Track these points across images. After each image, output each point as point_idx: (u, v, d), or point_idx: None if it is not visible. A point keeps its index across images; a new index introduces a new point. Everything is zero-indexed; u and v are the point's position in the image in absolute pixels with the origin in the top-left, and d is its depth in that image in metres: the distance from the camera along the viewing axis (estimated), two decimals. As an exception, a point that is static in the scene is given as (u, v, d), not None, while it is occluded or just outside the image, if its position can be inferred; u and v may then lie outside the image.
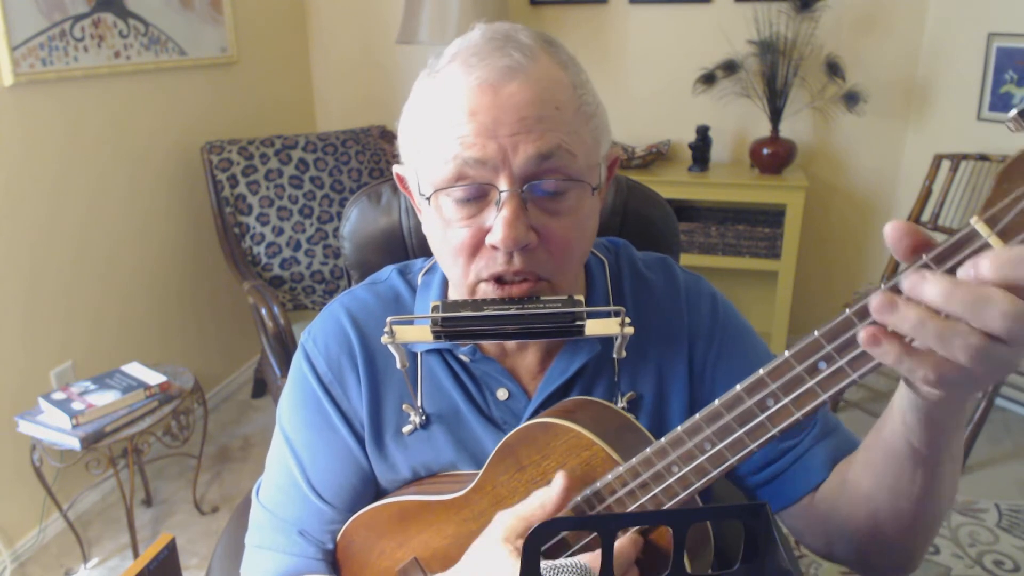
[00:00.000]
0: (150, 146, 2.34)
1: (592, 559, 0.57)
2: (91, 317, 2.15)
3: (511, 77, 0.65)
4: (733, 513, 0.58)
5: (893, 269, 2.63)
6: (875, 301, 0.45)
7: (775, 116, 2.64)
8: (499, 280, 0.69)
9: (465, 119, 0.65)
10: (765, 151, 2.64)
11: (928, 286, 0.43)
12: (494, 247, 0.67)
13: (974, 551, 1.94)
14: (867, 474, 0.66)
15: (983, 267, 0.41)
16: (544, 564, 0.55)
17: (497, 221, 0.65)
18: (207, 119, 2.57)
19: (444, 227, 0.69)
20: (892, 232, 0.46)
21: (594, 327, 0.65)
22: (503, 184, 0.65)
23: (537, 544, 0.52)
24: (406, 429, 0.78)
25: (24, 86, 1.88)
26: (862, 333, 0.46)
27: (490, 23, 0.71)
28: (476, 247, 0.68)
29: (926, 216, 2.59)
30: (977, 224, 0.44)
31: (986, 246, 0.43)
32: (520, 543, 0.60)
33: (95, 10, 2.06)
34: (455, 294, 0.78)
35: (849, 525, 0.70)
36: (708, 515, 0.60)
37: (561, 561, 0.57)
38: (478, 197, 0.67)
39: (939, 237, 0.47)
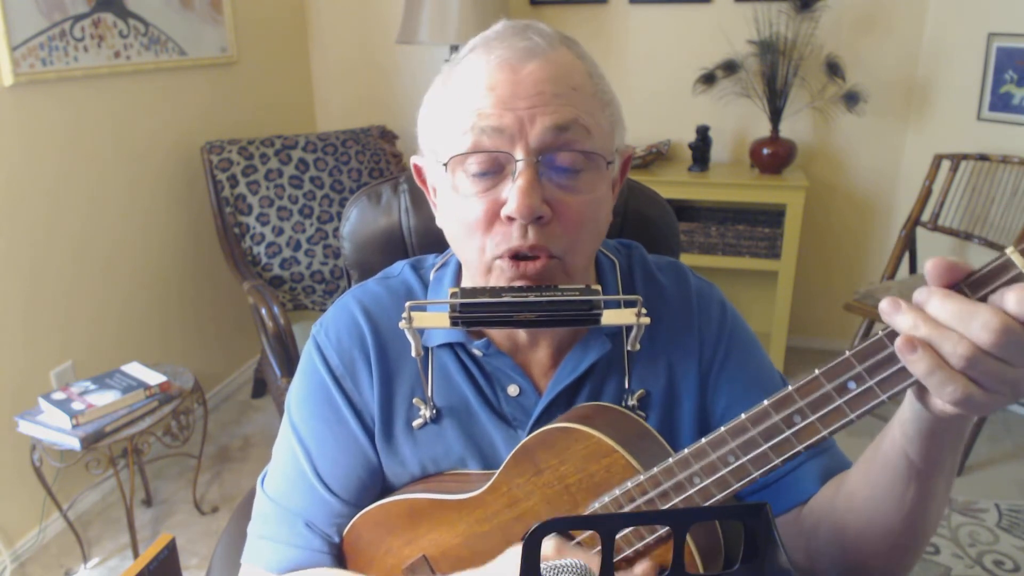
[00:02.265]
0: (150, 146, 2.34)
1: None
2: (91, 317, 2.15)
3: (531, 57, 0.67)
4: (733, 513, 0.58)
5: (893, 269, 2.63)
6: (883, 302, 0.48)
7: (775, 116, 2.64)
8: (514, 257, 0.69)
9: (484, 93, 0.67)
10: (765, 151, 2.64)
11: (927, 299, 0.47)
12: (510, 218, 0.67)
13: (974, 551, 1.94)
14: (861, 486, 0.66)
15: (1008, 300, 0.44)
16: (544, 564, 0.55)
17: (513, 191, 0.66)
18: (207, 119, 2.57)
19: (460, 203, 0.70)
20: (932, 270, 0.47)
21: (611, 317, 0.65)
22: (519, 153, 0.66)
23: (537, 544, 0.51)
24: (416, 423, 0.79)
25: (24, 86, 1.88)
26: (899, 339, 0.48)
27: (510, 20, 0.74)
28: (491, 220, 0.69)
29: (926, 216, 2.59)
30: (1012, 255, 0.45)
31: (1020, 276, 0.45)
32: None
33: (95, 10, 2.06)
34: (469, 282, 0.78)
35: (835, 541, 0.69)
36: (708, 515, 0.60)
37: (561, 561, 0.57)
38: (494, 171, 0.68)
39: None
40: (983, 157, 2.50)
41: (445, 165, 0.70)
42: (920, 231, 2.62)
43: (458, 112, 0.69)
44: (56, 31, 1.94)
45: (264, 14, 2.85)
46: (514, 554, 0.64)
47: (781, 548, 0.53)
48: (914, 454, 0.58)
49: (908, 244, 2.61)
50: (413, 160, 0.80)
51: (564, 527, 0.54)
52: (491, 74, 0.67)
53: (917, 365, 0.47)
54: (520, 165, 0.66)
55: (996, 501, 2.13)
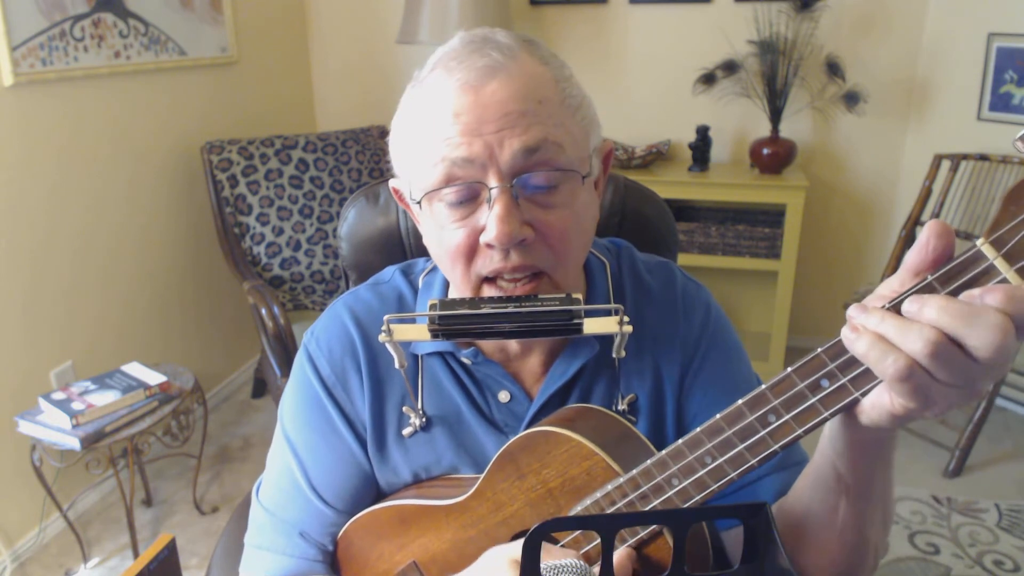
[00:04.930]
0: (150, 146, 2.34)
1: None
2: (91, 317, 2.15)
3: (491, 76, 0.65)
4: (732, 513, 0.58)
5: (893, 269, 2.62)
6: (850, 309, 0.49)
7: (775, 116, 2.64)
8: (499, 278, 0.68)
9: (450, 121, 0.65)
10: (765, 151, 2.64)
11: (867, 314, 0.48)
12: (489, 245, 0.66)
13: (974, 551, 1.94)
14: (797, 500, 0.66)
15: (989, 298, 0.43)
16: (544, 564, 0.55)
17: (490, 219, 0.65)
18: (207, 119, 2.57)
19: (439, 232, 0.69)
20: (935, 226, 0.47)
21: (592, 325, 0.64)
22: (492, 181, 0.65)
23: (537, 544, 0.51)
24: (406, 431, 0.78)
25: (24, 86, 1.88)
26: (845, 328, 0.49)
27: (470, 29, 0.71)
28: (472, 248, 0.68)
29: (926, 216, 2.60)
30: (983, 246, 0.44)
31: (991, 268, 0.44)
32: None
33: (95, 10, 2.06)
34: (456, 295, 0.78)
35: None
36: (707, 515, 0.60)
37: (561, 561, 0.57)
38: (470, 199, 0.67)
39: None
40: (983, 157, 2.50)
41: (419, 203, 0.69)
42: (920, 231, 2.61)
43: (426, 141, 0.67)
44: (56, 31, 1.94)
45: (264, 14, 2.85)
46: (493, 556, 0.64)
47: (781, 548, 0.53)
48: (843, 467, 0.58)
49: (908, 244, 2.61)
50: (392, 184, 0.79)
51: (564, 527, 0.54)
52: (454, 99, 0.65)
53: (858, 345, 0.47)
54: (495, 192, 0.65)
55: (996, 501, 2.13)
